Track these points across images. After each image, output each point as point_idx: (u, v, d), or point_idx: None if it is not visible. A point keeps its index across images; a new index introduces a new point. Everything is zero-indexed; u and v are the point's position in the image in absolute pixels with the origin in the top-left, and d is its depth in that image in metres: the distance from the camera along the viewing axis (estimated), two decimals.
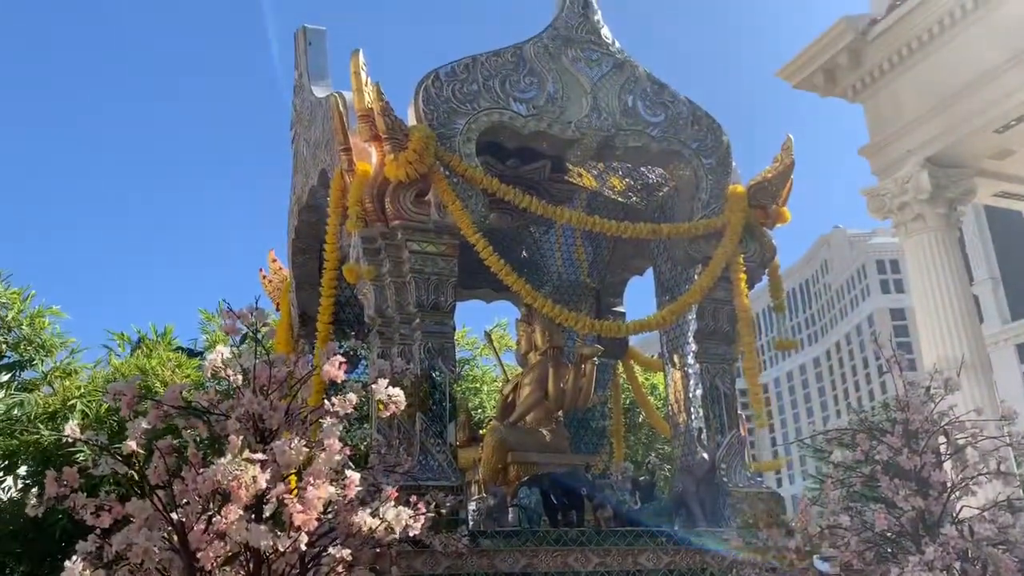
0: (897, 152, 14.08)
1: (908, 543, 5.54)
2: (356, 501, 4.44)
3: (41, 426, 10.73)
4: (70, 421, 4.74)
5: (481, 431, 9.25)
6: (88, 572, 4.06)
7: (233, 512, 4.06)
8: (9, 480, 11.28)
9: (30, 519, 10.10)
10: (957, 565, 5.35)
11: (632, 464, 8.09)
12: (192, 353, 12.84)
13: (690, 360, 7.64)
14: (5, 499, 11.20)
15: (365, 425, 8.73)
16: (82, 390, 11.68)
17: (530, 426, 8.17)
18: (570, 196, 8.77)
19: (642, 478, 7.60)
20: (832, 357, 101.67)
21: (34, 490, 10.62)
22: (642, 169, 8.15)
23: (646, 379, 15.54)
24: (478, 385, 16.48)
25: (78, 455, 9.36)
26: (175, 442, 4.52)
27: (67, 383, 11.91)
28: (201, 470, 4.20)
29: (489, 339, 11.70)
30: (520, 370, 9.00)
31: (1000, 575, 5.34)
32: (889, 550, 5.68)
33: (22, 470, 11.20)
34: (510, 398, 8.49)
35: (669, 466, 14.59)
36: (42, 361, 12.16)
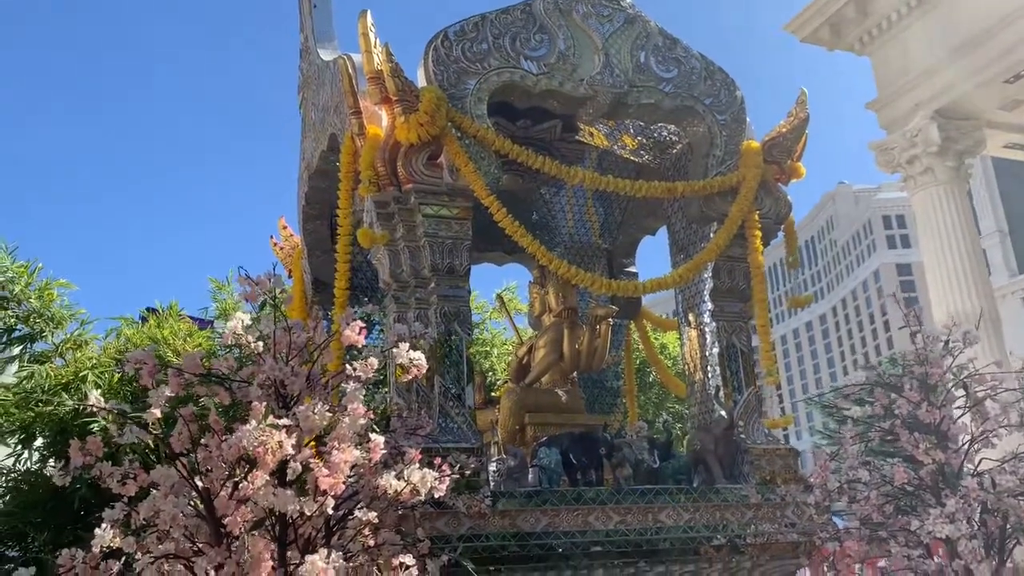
0: (905, 105, 13.96)
1: (928, 496, 5.57)
2: (380, 464, 4.46)
3: (64, 394, 10.75)
4: (94, 391, 4.73)
5: (493, 393, 9.27)
6: (118, 539, 4.09)
7: (259, 478, 4.08)
8: (26, 452, 11.33)
9: (49, 489, 10.21)
10: (977, 516, 5.38)
11: (646, 423, 8.09)
12: (202, 323, 12.81)
13: (706, 318, 7.60)
14: (23, 470, 11.27)
15: (383, 389, 8.73)
16: (94, 361, 11.70)
17: (546, 387, 8.18)
18: (580, 156, 8.67)
19: (657, 437, 7.60)
20: (838, 313, 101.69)
21: (51, 460, 10.71)
22: (654, 126, 8.06)
23: (654, 339, 15.51)
24: (488, 348, 16.47)
25: (93, 425, 9.40)
26: (196, 409, 4.54)
27: (79, 354, 11.92)
28: (224, 437, 4.20)
29: (501, 302, 11.68)
30: (532, 333, 8.99)
31: (1021, 525, 5.37)
32: (909, 504, 5.71)
33: (39, 441, 11.25)
34: (524, 360, 8.48)
35: (680, 425, 14.66)
36: (52, 333, 12.16)
